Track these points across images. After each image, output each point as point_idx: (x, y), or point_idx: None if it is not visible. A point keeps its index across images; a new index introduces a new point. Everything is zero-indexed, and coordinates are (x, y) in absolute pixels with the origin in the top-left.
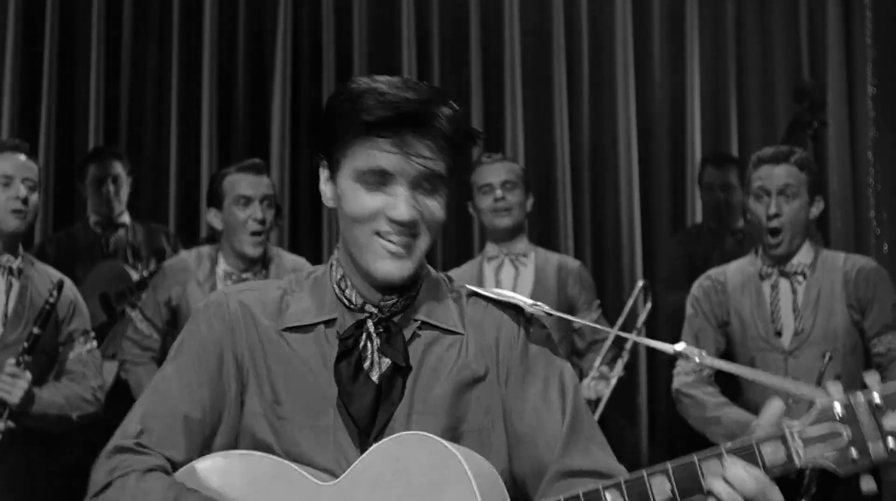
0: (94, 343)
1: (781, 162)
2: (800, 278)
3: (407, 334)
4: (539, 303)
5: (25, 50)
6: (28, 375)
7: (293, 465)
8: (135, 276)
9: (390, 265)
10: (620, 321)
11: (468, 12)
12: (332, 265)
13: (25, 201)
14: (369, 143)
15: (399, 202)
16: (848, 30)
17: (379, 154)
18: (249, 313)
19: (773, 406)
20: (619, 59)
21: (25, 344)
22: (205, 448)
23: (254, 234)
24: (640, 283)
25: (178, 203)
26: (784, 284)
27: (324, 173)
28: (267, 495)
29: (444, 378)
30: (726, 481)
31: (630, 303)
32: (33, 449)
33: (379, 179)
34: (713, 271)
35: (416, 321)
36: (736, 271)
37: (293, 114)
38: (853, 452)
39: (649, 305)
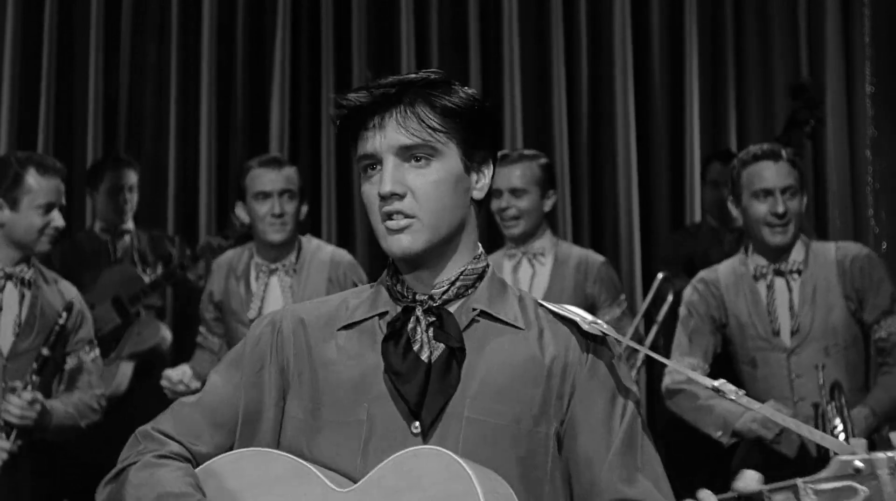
0: (98, 351)
1: (779, 159)
2: (795, 275)
3: (463, 322)
4: (598, 321)
5: (24, 49)
6: (38, 396)
7: (312, 467)
8: (146, 279)
9: (394, 242)
10: (638, 317)
11: (467, 12)
12: (387, 268)
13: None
14: (359, 135)
15: (383, 176)
16: (846, 29)
17: (365, 140)
18: (301, 323)
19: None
20: (618, 59)
21: (35, 365)
22: (240, 448)
23: (274, 218)
24: (661, 275)
25: (177, 202)
26: (779, 283)
27: None
28: (276, 497)
29: (503, 366)
30: None
31: (650, 298)
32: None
33: (370, 164)
34: (704, 274)
35: (474, 310)
36: (727, 271)
37: (293, 113)
38: None
39: (671, 298)
